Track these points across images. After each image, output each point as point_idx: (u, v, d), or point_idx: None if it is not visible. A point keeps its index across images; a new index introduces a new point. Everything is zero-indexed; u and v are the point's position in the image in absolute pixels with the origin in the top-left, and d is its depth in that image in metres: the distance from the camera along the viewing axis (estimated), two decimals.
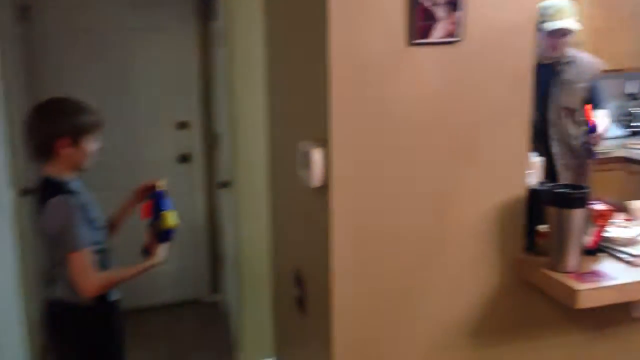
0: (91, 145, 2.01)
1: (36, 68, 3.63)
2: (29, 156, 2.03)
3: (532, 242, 1.54)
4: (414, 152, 1.41)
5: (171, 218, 2.08)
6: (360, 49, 1.33)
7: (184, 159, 4.02)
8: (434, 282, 1.48)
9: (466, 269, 1.50)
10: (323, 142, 1.38)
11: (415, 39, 1.35)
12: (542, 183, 1.58)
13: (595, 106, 2.76)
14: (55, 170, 1.97)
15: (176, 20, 3.85)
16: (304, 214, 1.63)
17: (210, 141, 4.01)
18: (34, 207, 2.01)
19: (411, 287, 1.47)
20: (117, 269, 2.07)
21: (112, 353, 2.12)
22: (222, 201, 3.77)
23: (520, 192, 1.50)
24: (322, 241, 1.44)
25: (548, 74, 2.77)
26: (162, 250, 2.10)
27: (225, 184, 3.46)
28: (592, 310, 1.39)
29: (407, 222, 1.43)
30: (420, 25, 1.35)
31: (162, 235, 2.08)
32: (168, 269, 4.00)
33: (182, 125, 3.98)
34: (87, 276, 1.91)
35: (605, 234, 1.53)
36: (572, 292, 1.33)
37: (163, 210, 2.09)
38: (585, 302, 1.33)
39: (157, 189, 2.15)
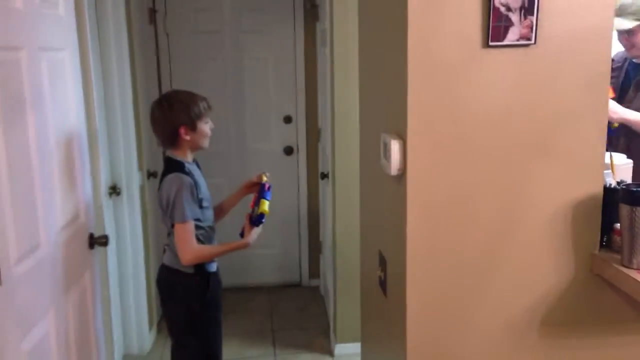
0: (206, 127, 2.33)
1: (161, 66, 4.04)
2: (158, 144, 2.38)
3: (608, 239, 1.58)
4: (488, 147, 1.51)
5: (265, 206, 2.33)
6: (437, 50, 1.45)
7: (289, 151, 4.27)
8: (505, 271, 1.56)
9: (539, 261, 1.57)
10: (401, 135, 1.52)
11: (491, 42, 1.45)
12: (620, 182, 1.60)
13: None
14: (179, 153, 2.31)
15: (284, 23, 4.11)
16: (385, 200, 1.77)
17: (313, 134, 4.23)
18: (158, 185, 2.35)
19: (482, 276, 1.56)
20: (213, 245, 2.36)
21: (206, 318, 2.40)
22: (323, 191, 3.98)
23: (596, 190, 1.54)
24: (399, 225, 1.57)
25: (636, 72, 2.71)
26: (253, 234, 2.34)
27: (325, 175, 3.66)
28: None
29: (479, 212, 1.53)
30: (495, 28, 1.44)
31: (255, 219, 2.33)
32: (273, 253, 4.32)
33: (288, 120, 4.24)
34: (187, 246, 2.22)
35: None
36: (627, 279, 1.37)
37: (262, 198, 2.35)
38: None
39: (261, 181, 2.41)
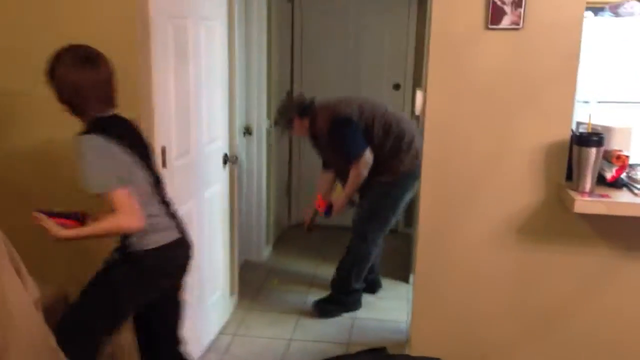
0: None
1: (294, 38, 4.91)
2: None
3: (571, 173, 2.15)
4: (486, 99, 2.14)
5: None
6: (451, 29, 2.11)
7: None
8: (492, 189, 2.21)
9: (519, 185, 2.19)
10: (424, 88, 2.21)
11: (490, 25, 2.07)
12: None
13: None
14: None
15: (401, 3, 4.77)
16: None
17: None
18: None
19: (475, 190, 2.22)
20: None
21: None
22: None
23: (565, 136, 2.12)
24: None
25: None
26: None
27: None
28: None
29: (477, 142, 2.18)
30: (493, 15, 2.06)
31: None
32: None
33: (397, 87, 4.92)
34: None
35: (631, 174, 2.06)
36: (572, 201, 1.95)
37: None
38: (580, 208, 1.94)
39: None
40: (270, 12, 4.16)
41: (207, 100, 2.89)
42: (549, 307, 2.32)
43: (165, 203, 2.10)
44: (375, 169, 3.39)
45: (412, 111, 4.89)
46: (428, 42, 2.27)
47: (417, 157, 3.32)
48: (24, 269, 1.33)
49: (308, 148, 4.21)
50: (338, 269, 3.63)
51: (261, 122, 4.20)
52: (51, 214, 1.85)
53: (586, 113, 2.27)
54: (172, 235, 2.04)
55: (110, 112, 1.95)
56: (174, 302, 2.21)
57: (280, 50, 4.56)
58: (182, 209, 2.68)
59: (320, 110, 3.47)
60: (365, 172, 3.37)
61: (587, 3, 2.06)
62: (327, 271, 3.88)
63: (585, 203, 1.93)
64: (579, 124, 2.24)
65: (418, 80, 4.86)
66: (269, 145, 4.37)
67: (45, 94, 1.89)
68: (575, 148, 2.02)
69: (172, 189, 2.54)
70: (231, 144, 3.33)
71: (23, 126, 2.39)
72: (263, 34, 4.04)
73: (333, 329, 3.42)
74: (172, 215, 2.10)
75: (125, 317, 2.08)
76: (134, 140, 1.98)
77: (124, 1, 2.18)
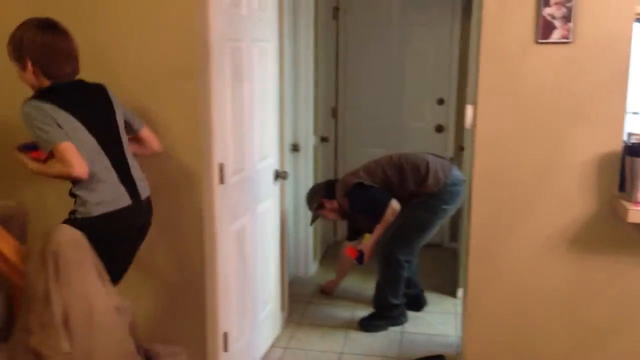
0: None
1: (339, 54, 5.01)
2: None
3: (624, 184, 2.15)
4: (536, 112, 2.18)
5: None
6: (501, 44, 2.16)
7: (440, 129, 4.99)
8: (546, 201, 2.23)
9: (572, 196, 2.20)
10: (474, 102, 2.26)
11: (540, 39, 2.11)
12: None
13: None
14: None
15: (444, 17, 4.83)
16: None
17: (461, 115, 4.90)
18: None
19: (529, 202, 2.24)
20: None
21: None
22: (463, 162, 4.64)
23: (617, 147, 2.13)
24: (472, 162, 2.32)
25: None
26: None
27: (462, 148, 4.35)
28: None
29: (529, 157, 2.21)
30: (543, 30, 2.10)
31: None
32: None
33: (441, 102, 4.96)
34: None
35: None
36: (626, 211, 1.96)
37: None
38: (633, 218, 1.95)
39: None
40: (317, 30, 4.27)
41: (260, 118, 3.00)
42: (603, 319, 2.32)
43: (119, 169, 2.10)
44: (407, 203, 3.52)
45: (457, 125, 4.92)
46: (477, 57, 2.32)
47: (438, 176, 3.46)
48: (105, 276, 1.42)
49: (352, 163, 4.29)
50: (375, 289, 3.69)
51: (308, 139, 4.29)
52: (25, 147, 2.03)
53: (637, 124, 2.28)
54: (119, 203, 2.05)
55: (71, 79, 2.07)
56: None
57: (326, 67, 4.66)
58: (237, 224, 2.78)
59: (336, 191, 3.70)
60: (393, 219, 3.51)
61: (637, 14, 2.08)
62: (373, 286, 3.91)
63: (637, 213, 1.95)
64: (630, 135, 2.25)
65: (462, 95, 4.88)
66: (315, 161, 4.46)
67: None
68: (628, 159, 2.03)
69: (229, 204, 2.65)
70: (281, 160, 3.42)
71: None
72: (310, 51, 4.15)
73: (382, 343, 3.45)
74: (125, 181, 2.11)
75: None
76: (85, 105, 2.05)
77: (185, 27, 2.30)
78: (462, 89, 4.86)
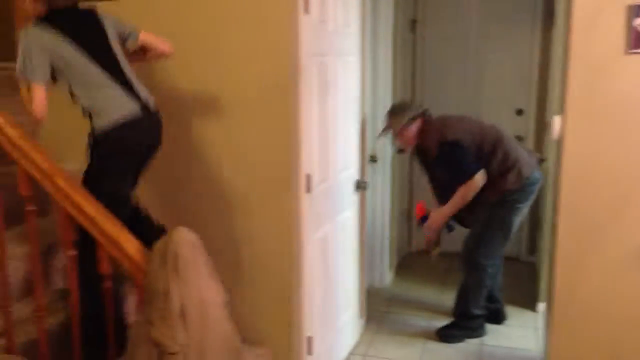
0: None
1: (416, 65, 5.06)
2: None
3: None
4: (626, 125, 2.16)
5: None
6: (590, 54, 2.16)
7: (518, 139, 4.92)
8: (638, 210, 2.19)
9: None
10: (561, 113, 2.26)
11: (631, 50, 2.10)
12: None
13: None
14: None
15: (523, 29, 4.78)
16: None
17: (540, 126, 4.84)
18: None
19: (617, 213, 2.21)
20: None
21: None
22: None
23: None
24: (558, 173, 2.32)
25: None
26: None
27: (543, 160, 4.29)
28: None
29: (619, 168, 2.20)
30: (634, 40, 2.09)
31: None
32: None
33: (519, 112, 4.91)
34: None
35: None
36: None
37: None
38: None
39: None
40: (395, 43, 4.34)
41: (343, 130, 3.09)
42: None
43: (120, 84, 2.25)
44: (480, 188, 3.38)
45: (537, 136, 4.85)
46: (562, 67, 2.32)
47: (521, 175, 3.34)
48: (214, 273, 1.55)
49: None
50: (457, 296, 3.67)
51: (386, 150, 4.36)
52: None
53: None
54: (127, 111, 2.21)
55: (67, 5, 2.21)
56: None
57: (403, 79, 4.72)
58: (321, 232, 2.88)
59: (429, 130, 3.49)
60: (471, 194, 3.35)
61: None
62: (450, 297, 3.91)
63: None
64: None
65: (542, 105, 4.82)
66: (392, 172, 4.51)
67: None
68: None
69: (314, 212, 2.75)
70: (361, 171, 3.51)
71: None
72: (388, 64, 4.23)
73: (461, 355, 3.44)
74: (130, 94, 2.26)
75: (117, 188, 2.27)
76: (83, 31, 2.21)
77: (279, 45, 2.43)
78: (542, 99, 4.79)
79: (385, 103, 4.27)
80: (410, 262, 5.05)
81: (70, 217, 1.71)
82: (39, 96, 2.11)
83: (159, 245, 1.49)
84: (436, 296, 4.28)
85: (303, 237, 2.65)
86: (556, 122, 2.26)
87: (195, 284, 1.43)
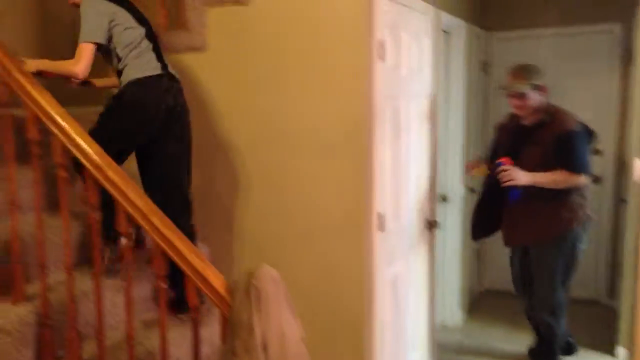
0: None
1: (489, 106, 5.07)
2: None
3: None
4: None
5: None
6: None
7: (597, 180, 4.81)
8: None
9: None
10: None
11: None
12: None
13: None
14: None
15: (599, 66, 4.72)
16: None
17: (619, 166, 4.71)
18: None
19: None
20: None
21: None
22: (622, 215, 4.43)
23: None
24: None
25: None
26: None
27: (623, 200, 4.17)
28: None
29: None
30: None
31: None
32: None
33: (597, 152, 4.79)
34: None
35: None
36: None
37: None
38: None
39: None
40: (467, 84, 4.39)
41: (414, 170, 3.16)
42: None
43: (158, 52, 2.53)
44: (553, 212, 3.27)
45: (616, 176, 4.72)
46: None
47: (586, 213, 3.31)
48: (294, 308, 1.64)
49: None
50: (545, 343, 3.63)
51: (456, 190, 4.37)
52: None
53: None
54: (152, 72, 2.46)
55: None
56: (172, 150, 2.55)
57: (475, 119, 4.74)
58: (392, 270, 2.94)
59: (556, 110, 3.33)
60: (566, 185, 3.21)
61: None
62: (520, 339, 3.86)
63: None
64: None
65: (621, 146, 4.70)
66: (463, 211, 4.51)
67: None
68: None
69: (386, 250, 2.82)
70: (432, 210, 3.54)
71: None
72: (460, 105, 4.28)
73: None
74: (160, 61, 2.52)
75: (126, 144, 2.46)
76: (128, 3, 2.53)
77: (354, 88, 2.56)
78: (622, 140, 4.68)
79: (457, 143, 4.31)
80: (482, 301, 4.98)
81: (163, 251, 1.86)
82: (88, 55, 2.36)
83: (242, 279, 1.61)
84: (506, 338, 4.20)
85: (375, 274, 2.72)
86: (637, 164, 2.24)
87: (277, 319, 1.53)
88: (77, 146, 1.98)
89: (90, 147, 1.98)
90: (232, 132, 2.86)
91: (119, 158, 2.26)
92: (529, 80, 3.26)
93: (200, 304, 1.93)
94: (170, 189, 2.54)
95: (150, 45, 2.53)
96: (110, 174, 1.94)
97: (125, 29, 2.45)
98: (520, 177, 3.22)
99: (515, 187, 3.26)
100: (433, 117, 3.45)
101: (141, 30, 2.51)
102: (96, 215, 2.02)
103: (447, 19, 3.74)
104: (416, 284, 3.32)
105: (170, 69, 2.56)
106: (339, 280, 2.70)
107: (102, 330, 2.07)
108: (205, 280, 1.76)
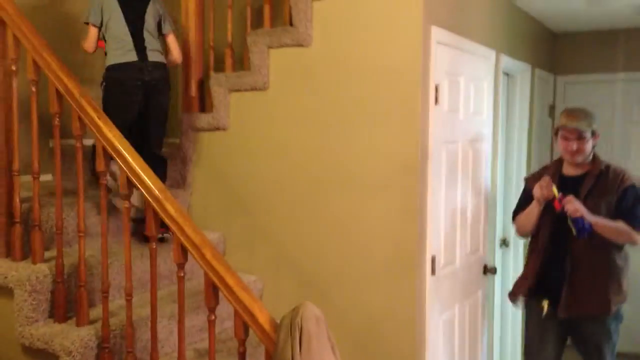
0: None
1: (554, 151, 4.94)
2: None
3: None
4: None
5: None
6: None
7: None
8: None
9: None
10: None
11: None
12: None
13: None
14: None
15: None
16: None
17: None
18: None
19: None
20: None
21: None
22: None
23: None
24: None
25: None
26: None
27: None
28: None
29: None
30: None
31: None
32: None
33: None
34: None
35: None
36: None
37: None
38: None
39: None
40: (531, 128, 4.32)
41: (472, 213, 3.12)
42: None
43: (136, 42, 2.90)
44: (603, 289, 2.83)
45: None
46: None
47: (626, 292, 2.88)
48: (336, 346, 1.65)
49: None
50: None
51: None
52: None
53: None
54: (127, 59, 2.87)
55: None
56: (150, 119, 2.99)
57: (538, 164, 4.63)
58: (446, 315, 2.88)
59: (608, 163, 3.04)
60: (630, 242, 2.84)
61: None
62: None
63: None
64: None
65: None
66: (524, 257, 4.37)
67: None
68: None
69: (439, 295, 2.78)
70: (490, 255, 3.47)
71: None
72: (523, 148, 4.20)
73: None
74: (138, 48, 2.90)
75: (122, 119, 2.66)
76: (131, 4, 2.93)
77: (409, 131, 2.58)
78: None
79: (518, 188, 4.21)
80: None
81: (213, 285, 1.92)
82: (91, 34, 2.92)
83: (286, 317, 1.63)
84: None
85: (426, 318, 2.68)
86: None
87: (319, 357, 1.54)
88: (140, 179, 2.10)
89: (152, 182, 2.09)
90: (289, 169, 2.93)
91: (128, 130, 2.73)
92: (589, 122, 2.91)
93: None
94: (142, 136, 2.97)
95: (133, 40, 2.90)
96: (169, 207, 2.03)
97: (109, 19, 2.89)
98: (584, 211, 2.75)
99: (583, 221, 2.72)
100: (492, 159, 3.41)
101: (126, 29, 2.90)
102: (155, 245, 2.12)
103: (511, 62, 3.72)
104: (472, 331, 3.23)
105: (150, 51, 2.94)
106: (390, 323, 2.68)
107: (156, 356, 2.13)
108: (251, 315, 1.80)
